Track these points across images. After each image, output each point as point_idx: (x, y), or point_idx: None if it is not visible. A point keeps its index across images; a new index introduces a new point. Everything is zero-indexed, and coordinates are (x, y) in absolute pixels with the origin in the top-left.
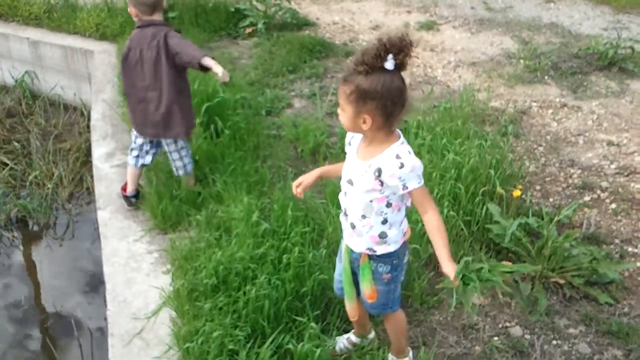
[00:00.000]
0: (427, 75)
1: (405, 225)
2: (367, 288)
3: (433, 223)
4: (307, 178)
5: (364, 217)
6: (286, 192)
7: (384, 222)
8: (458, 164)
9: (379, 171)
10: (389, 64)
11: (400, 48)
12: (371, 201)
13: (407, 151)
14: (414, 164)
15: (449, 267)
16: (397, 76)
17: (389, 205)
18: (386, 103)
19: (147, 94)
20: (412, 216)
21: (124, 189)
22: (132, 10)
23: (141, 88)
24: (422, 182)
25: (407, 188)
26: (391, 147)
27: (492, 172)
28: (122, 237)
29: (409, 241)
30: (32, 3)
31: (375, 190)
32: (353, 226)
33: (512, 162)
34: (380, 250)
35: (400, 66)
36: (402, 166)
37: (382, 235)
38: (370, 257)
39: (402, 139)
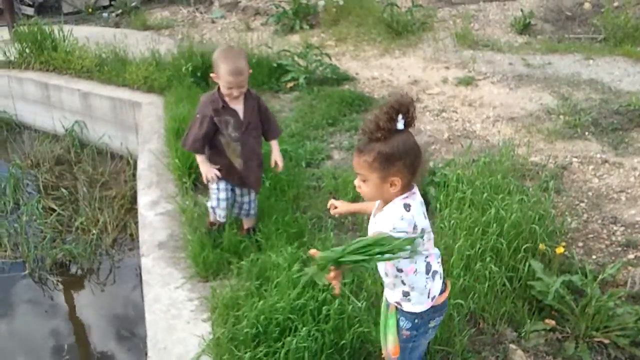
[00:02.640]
0: (465, 129)
1: (435, 287)
2: (390, 340)
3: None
4: (346, 207)
5: (386, 274)
6: (326, 242)
7: (403, 283)
8: (500, 219)
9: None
10: (401, 124)
11: (407, 107)
12: (384, 264)
13: (403, 204)
14: (392, 214)
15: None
16: (409, 133)
17: (400, 270)
18: (410, 160)
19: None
20: (454, 271)
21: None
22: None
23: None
24: (397, 234)
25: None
26: (395, 200)
27: (535, 227)
28: (164, 284)
29: (448, 298)
30: (84, 57)
31: None
32: (382, 278)
33: (554, 218)
34: (406, 307)
35: (408, 124)
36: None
37: (405, 294)
38: (397, 308)
39: (406, 193)
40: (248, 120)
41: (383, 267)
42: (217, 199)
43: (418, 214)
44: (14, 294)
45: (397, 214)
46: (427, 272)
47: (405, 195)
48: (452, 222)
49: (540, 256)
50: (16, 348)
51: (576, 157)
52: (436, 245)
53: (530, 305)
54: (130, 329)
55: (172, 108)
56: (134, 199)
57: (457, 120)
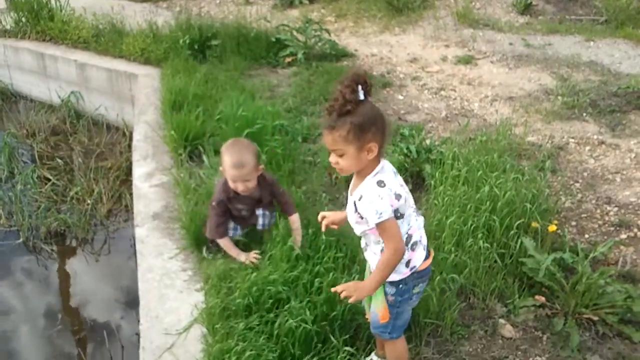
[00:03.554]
0: (463, 108)
1: (416, 257)
2: (378, 307)
3: (380, 260)
4: (334, 216)
5: (367, 245)
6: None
7: (383, 250)
8: (494, 196)
9: (355, 205)
10: (362, 95)
11: (364, 78)
12: (365, 233)
13: (376, 182)
14: (371, 199)
15: (362, 286)
16: (370, 102)
17: (378, 239)
18: (380, 125)
19: None
20: (446, 246)
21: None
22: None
23: None
24: (384, 217)
25: (368, 223)
26: (366, 179)
27: (528, 205)
28: (158, 254)
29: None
30: (81, 28)
31: (360, 224)
32: (363, 250)
33: (549, 197)
34: None
35: (367, 93)
36: (360, 198)
37: None
38: None
39: (376, 169)
40: (262, 211)
41: (362, 238)
42: None
43: (393, 183)
44: (8, 262)
45: (374, 197)
46: (407, 244)
47: (375, 172)
48: (446, 198)
49: (532, 234)
50: (9, 317)
51: (573, 137)
52: (429, 221)
53: (520, 281)
54: (124, 298)
55: (169, 80)
56: (129, 170)
57: (455, 99)
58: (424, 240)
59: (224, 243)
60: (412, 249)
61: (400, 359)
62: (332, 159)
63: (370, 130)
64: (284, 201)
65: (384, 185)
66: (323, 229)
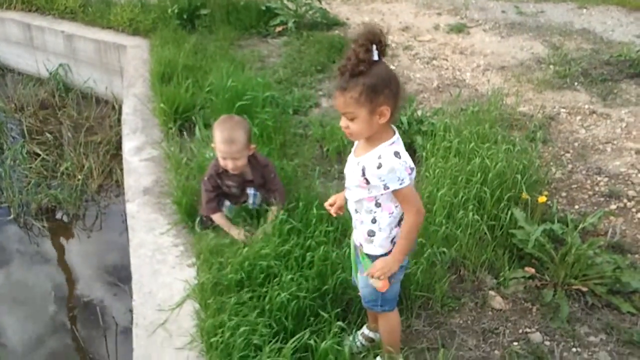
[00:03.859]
0: (455, 78)
1: (398, 234)
2: (375, 281)
3: (404, 227)
4: (340, 196)
5: (356, 211)
6: (311, 191)
7: (374, 221)
8: (485, 168)
9: (364, 169)
10: (375, 55)
11: (379, 37)
12: (362, 198)
13: (393, 152)
14: (393, 166)
15: (391, 260)
16: (384, 63)
17: (378, 205)
18: (395, 86)
19: None
20: (436, 219)
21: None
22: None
23: None
24: (405, 183)
25: (388, 188)
26: (379, 146)
27: (518, 177)
28: (149, 229)
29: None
30: None
31: (362, 188)
32: (351, 217)
33: (539, 167)
34: (368, 249)
35: (382, 53)
36: (379, 166)
37: (370, 234)
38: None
39: (392, 139)
40: (254, 191)
41: (354, 202)
42: None
43: (407, 156)
44: None
45: (396, 165)
46: (399, 222)
47: (391, 140)
48: (437, 170)
49: (523, 205)
50: (0, 294)
51: (564, 107)
52: (420, 193)
53: (510, 253)
54: (117, 274)
55: (158, 51)
56: (119, 145)
57: (447, 69)
58: None
59: (217, 218)
60: (398, 225)
61: (393, 332)
62: (343, 122)
63: (383, 93)
64: (274, 188)
65: (400, 157)
66: (334, 214)
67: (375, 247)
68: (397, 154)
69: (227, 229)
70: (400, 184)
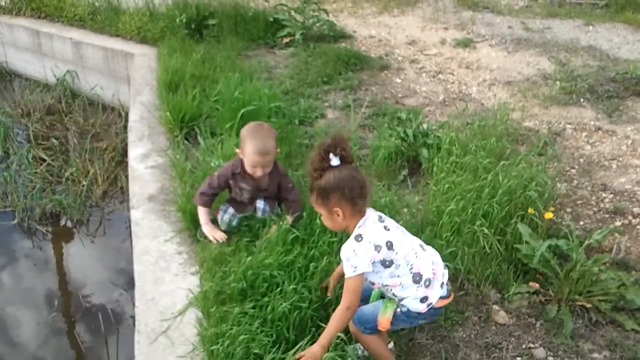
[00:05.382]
0: (461, 92)
1: (433, 295)
2: (382, 314)
3: (335, 313)
4: (332, 278)
5: (372, 284)
6: None
7: (394, 295)
8: (495, 183)
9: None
10: (335, 161)
11: (336, 145)
12: (373, 285)
13: (353, 237)
14: (346, 253)
15: (316, 348)
16: (346, 167)
17: (385, 285)
18: (344, 191)
19: None
20: (443, 234)
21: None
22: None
23: None
24: (358, 272)
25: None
26: (352, 234)
27: (530, 193)
28: (153, 236)
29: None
30: (77, 5)
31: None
32: None
33: (546, 183)
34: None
35: (344, 159)
36: (339, 252)
37: (400, 300)
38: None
39: (360, 223)
40: (265, 195)
41: (368, 282)
42: (220, 219)
43: (373, 235)
44: (3, 244)
45: (350, 252)
46: (417, 282)
47: (358, 226)
48: (446, 185)
49: (528, 220)
50: (3, 298)
51: (570, 123)
52: (427, 207)
53: (515, 268)
54: (119, 280)
55: (165, 60)
56: (125, 152)
57: (453, 83)
58: (441, 277)
59: (201, 211)
60: (426, 286)
61: (376, 354)
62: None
63: (333, 196)
64: (291, 199)
65: (361, 239)
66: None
67: (404, 306)
68: (357, 237)
69: (203, 224)
70: (353, 272)
